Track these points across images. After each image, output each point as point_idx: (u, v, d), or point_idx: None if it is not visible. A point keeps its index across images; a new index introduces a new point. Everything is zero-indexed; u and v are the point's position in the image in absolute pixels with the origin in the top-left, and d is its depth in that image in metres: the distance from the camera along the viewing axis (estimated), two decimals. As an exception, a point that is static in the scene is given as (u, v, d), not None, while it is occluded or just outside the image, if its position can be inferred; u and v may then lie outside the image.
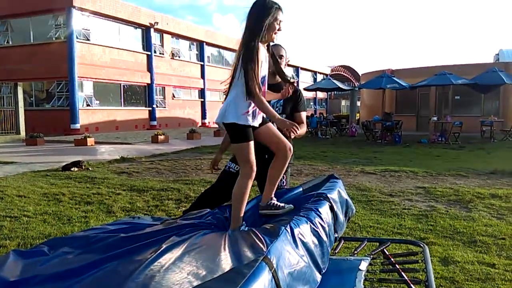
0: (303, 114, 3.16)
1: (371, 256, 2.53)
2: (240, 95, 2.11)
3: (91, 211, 5.45)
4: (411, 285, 2.37)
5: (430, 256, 3.51)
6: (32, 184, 7.13)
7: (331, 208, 2.35)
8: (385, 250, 2.63)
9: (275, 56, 2.43)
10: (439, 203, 5.85)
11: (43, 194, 6.37)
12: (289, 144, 2.30)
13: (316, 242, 2.02)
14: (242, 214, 2.17)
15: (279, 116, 2.27)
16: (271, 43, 2.32)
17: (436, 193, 6.42)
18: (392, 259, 2.56)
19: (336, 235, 2.39)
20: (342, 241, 2.84)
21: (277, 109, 2.98)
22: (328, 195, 2.41)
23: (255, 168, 2.17)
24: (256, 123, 2.20)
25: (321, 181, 2.79)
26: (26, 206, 5.65)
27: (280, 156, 2.28)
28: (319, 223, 2.12)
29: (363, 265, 2.34)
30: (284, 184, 3.04)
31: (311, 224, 2.05)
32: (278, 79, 2.84)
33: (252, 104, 2.14)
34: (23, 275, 1.49)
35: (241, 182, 2.17)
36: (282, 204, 2.29)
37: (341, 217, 2.47)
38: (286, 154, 2.27)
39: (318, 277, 1.92)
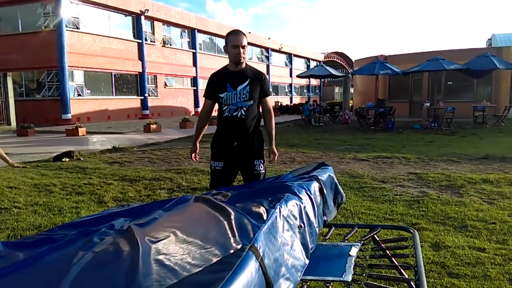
0: (269, 100, 3.13)
1: (362, 242, 2.53)
2: None
3: (82, 201, 5.41)
4: (401, 270, 2.38)
5: (421, 242, 3.53)
6: (22, 175, 7.06)
7: (321, 190, 2.38)
8: (375, 236, 2.62)
9: None
10: (431, 188, 5.88)
11: (34, 185, 6.32)
12: None
13: (305, 223, 2.03)
14: None
15: None
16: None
17: (428, 179, 6.45)
18: (383, 245, 2.56)
19: (325, 218, 2.42)
20: (333, 228, 2.84)
21: (244, 95, 2.89)
22: (319, 177, 2.45)
23: None
24: None
25: (312, 168, 2.82)
26: (17, 197, 5.60)
27: None
28: (309, 202, 2.14)
29: (353, 251, 2.34)
30: (262, 168, 3.04)
31: (301, 204, 2.06)
32: (241, 66, 2.84)
33: None
34: None
35: None
36: None
37: (330, 200, 2.51)
38: None
39: (306, 258, 1.93)
